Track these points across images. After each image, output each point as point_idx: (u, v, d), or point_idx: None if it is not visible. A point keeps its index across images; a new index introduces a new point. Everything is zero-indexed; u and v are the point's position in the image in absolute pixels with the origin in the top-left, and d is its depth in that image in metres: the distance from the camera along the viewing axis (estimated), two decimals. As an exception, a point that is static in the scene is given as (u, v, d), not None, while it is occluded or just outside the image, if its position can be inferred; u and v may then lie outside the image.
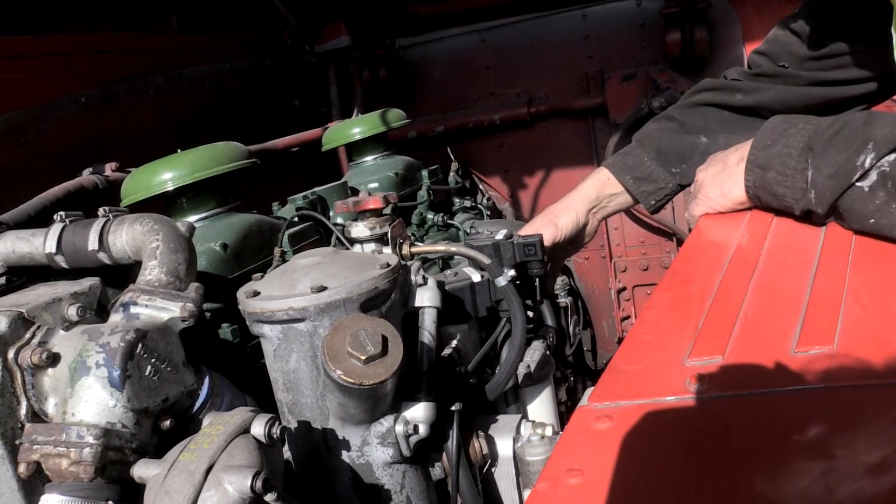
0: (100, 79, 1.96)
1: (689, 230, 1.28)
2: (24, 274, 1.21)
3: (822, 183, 0.98)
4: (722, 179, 1.21)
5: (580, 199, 1.58)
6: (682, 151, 1.50)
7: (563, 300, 2.70)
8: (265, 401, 1.17)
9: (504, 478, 1.24)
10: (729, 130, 1.46)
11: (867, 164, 0.92)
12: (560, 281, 2.46)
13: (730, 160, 1.20)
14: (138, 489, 0.89)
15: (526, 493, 1.22)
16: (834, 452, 0.59)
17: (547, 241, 1.47)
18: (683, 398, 0.72)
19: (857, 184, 0.94)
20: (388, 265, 1.09)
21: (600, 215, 1.61)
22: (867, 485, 0.54)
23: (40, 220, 1.37)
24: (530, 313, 1.43)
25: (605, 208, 1.60)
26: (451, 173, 2.68)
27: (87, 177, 1.63)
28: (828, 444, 0.60)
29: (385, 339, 0.95)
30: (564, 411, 1.87)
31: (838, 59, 1.32)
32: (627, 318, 3.14)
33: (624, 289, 3.13)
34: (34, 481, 0.92)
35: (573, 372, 2.26)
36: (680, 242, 2.96)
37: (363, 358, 0.93)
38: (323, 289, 1.02)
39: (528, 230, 1.53)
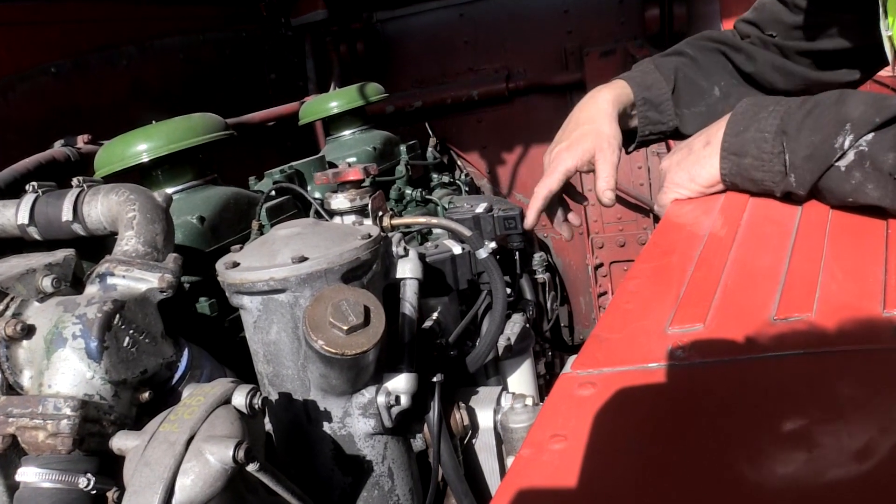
0: (71, 49, 1.91)
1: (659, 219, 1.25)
2: (-4, 246, 1.18)
3: (800, 165, 0.99)
4: (688, 164, 1.19)
5: (605, 103, 1.37)
6: (692, 96, 1.40)
7: (541, 276, 2.71)
8: (244, 375, 1.16)
9: (485, 449, 1.25)
10: (736, 94, 1.36)
11: (846, 146, 0.93)
12: (538, 257, 2.47)
13: (695, 144, 1.19)
14: (117, 461, 0.88)
15: (509, 461, 1.23)
16: (813, 417, 0.60)
17: (609, 162, 1.32)
18: (665, 365, 0.72)
19: (835, 164, 0.94)
20: (370, 236, 1.08)
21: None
22: (845, 447, 0.55)
23: (11, 192, 1.34)
24: (508, 290, 1.44)
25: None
26: (430, 149, 2.66)
27: (58, 149, 1.59)
28: (807, 409, 0.61)
29: (367, 310, 0.95)
30: (543, 385, 1.88)
31: (826, 29, 1.30)
32: (604, 294, 3.17)
33: (601, 265, 3.15)
34: (10, 455, 0.91)
35: (551, 347, 2.27)
36: (657, 219, 2.98)
37: (345, 328, 0.93)
38: (304, 259, 1.01)
39: (573, 155, 1.33)
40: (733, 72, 1.43)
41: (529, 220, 1.36)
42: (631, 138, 1.48)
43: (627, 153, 1.51)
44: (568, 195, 1.46)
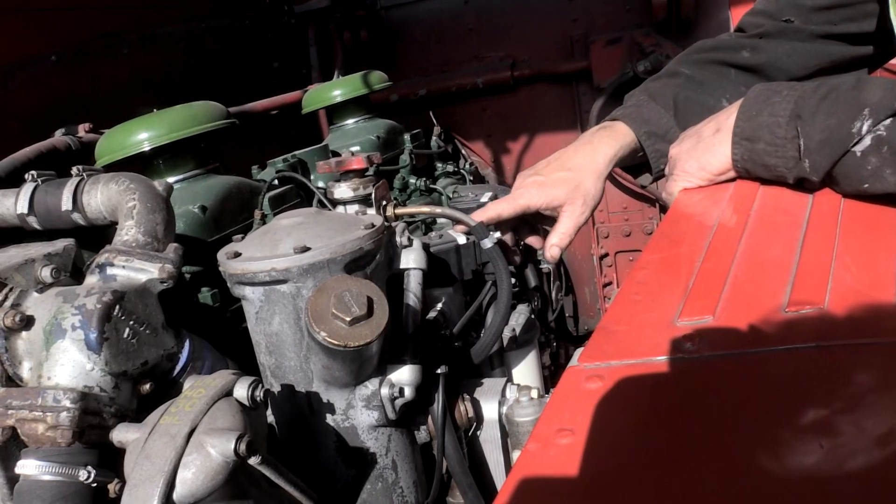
0: (71, 37, 1.89)
1: (667, 209, 1.22)
2: (-5, 236, 1.17)
3: (815, 150, 0.96)
4: (698, 152, 1.16)
5: (601, 156, 1.35)
6: (699, 116, 1.30)
7: (546, 266, 2.70)
8: (247, 365, 1.15)
9: (489, 441, 1.23)
10: (741, 95, 1.24)
11: (863, 131, 0.90)
12: (543, 247, 2.46)
13: (704, 132, 1.16)
14: (118, 454, 0.87)
15: (515, 455, 1.21)
16: (827, 412, 0.58)
17: (574, 220, 1.31)
18: (674, 358, 0.71)
19: (851, 149, 0.92)
20: (373, 225, 1.07)
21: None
22: (860, 443, 0.54)
23: (11, 182, 1.32)
24: (513, 280, 1.42)
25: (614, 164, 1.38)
26: (434, 138, 2.65)
27: (59, 138, 1.58)
28: (820, 403, 0.59)
29: (370, 301, 0.94)
30: (548, 376, 1.87)
31: (847, 11, 1.27)
32: (609, 284, 3.15)
33: (606, 255, 3.13)
34: (10, 447, 0.89)
35: (555, 338, 2.26)
36: (663, 209, 2.96)
37: (348, 319, 0.91)
38: (306, 249, 0.99)
39: (542, 195, 1.31)
40: (738, 77, 1.39)
41: (468, 227, 1.29)
42: (640, 169, 1.45)
43: (643, 187, 1.49)
44: (531, 223, 1.45)
